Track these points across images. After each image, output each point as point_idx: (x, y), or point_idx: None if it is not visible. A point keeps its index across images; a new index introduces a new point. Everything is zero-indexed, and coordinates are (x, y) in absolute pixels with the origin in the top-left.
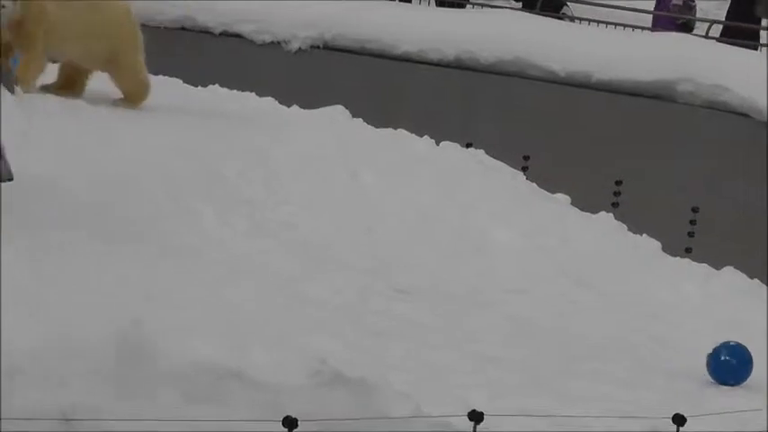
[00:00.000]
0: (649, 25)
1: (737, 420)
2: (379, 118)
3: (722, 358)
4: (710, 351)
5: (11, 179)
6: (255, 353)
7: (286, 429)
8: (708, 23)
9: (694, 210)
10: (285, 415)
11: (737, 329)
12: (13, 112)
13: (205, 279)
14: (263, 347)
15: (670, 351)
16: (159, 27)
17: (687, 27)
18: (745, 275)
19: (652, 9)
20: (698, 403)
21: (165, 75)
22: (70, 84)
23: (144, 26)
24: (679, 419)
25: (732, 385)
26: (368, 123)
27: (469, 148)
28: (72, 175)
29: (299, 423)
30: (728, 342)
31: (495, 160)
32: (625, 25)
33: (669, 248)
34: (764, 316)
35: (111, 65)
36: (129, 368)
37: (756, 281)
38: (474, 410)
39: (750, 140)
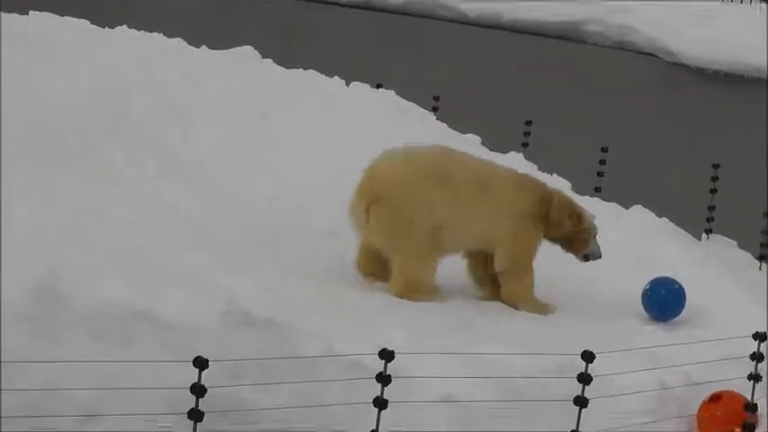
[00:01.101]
0: None
1: (645, 357)
2: (289, 59)
3: (661, 292)
4: (647, 286)
5: None
6: (166, 294)
7: (197, 370)
8: None
9: (603, 149)
10: (196, 356)
11: (647, 265)
12: None
13: (114, 221)
14: (174, 289)
15: (583, 290)
16: None
17: None
18: (653, 213)
19: None
20: (609, 341)
21: (71, 15)
22: None
23: None
24: (588, 356)
25: (665, 320)
26: (278, 64)
27: (380, 89)
28: None
29: (209, 364)
30: (665, 278)
31: (405, 101)
32: None
33: (579, 188)
34: (672, 253)
35: None
36: (41, 311)
37: (665, 219)
38: (385, 349)
39: (657, 80)
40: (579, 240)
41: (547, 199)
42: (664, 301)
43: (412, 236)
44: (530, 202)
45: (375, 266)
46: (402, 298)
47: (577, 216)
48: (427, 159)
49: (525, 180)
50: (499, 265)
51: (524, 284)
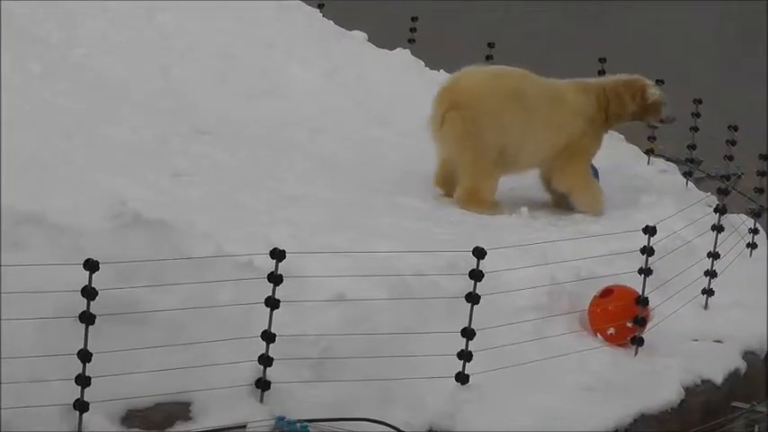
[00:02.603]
0: None
1: (536, 253)
2: None
3: None
4: None
5: None
6: (54, 196)
7: (87, 272)
8: None
9: (490, 45)
10: (86, 258)
11: None
12: None
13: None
14: (62, 191)
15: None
16: None
17: None
18: None
19: None
20: (496, 236)
21: None
22: None
23: None
24: (479, 252)
25: None
26: None
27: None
28: None
29: (100, 266)
30: None
31: None
32: None
33: None
34: None
35: None
36: None
37: None
38: (276, 249)
39: None
40: (652, 111)
41: (603, 93)
42: None
43: (479, 149)
44: (593, 101)
45: (450, 185)
46: (465, 209)
47: (640, 93)
48: (507, 78)
49: (584, 84)
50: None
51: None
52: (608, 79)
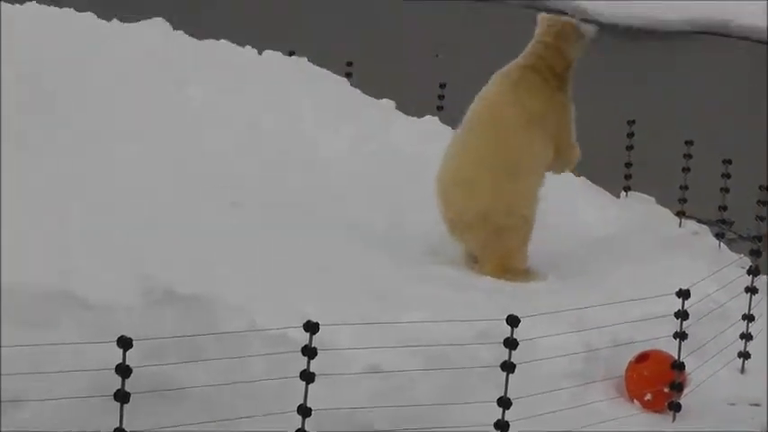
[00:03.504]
0: None
1: (568, 320)
2: (200, 29)
3: None
4: None
5: None
6: (84, 273)
7: (121, 350)
8: None
9: None
10: (119, 335)
11: (566, 225)
12: None
13: (30, 199)
14: (92, 267)
15: None
16: None
17: None
18: (570, 173)
19: None
20: (528, 304)
21: None
22: None
23: None
24: (513, 320)
25: None
26: (189, 35)
27: (293, 57)
28: None
29: (133, 343)
30: None
31: (318, 68)
32: None
33: None
34: (591, 212)
35: None
36: None
37: (583, 178)
38: (309, 321)
39: None
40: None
41: (540, 62)
42: None
43: None
44: (538, 79)
45: None
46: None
47: (575, 35)
48: None
49: (515, 69)
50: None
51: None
52: (533, 45)
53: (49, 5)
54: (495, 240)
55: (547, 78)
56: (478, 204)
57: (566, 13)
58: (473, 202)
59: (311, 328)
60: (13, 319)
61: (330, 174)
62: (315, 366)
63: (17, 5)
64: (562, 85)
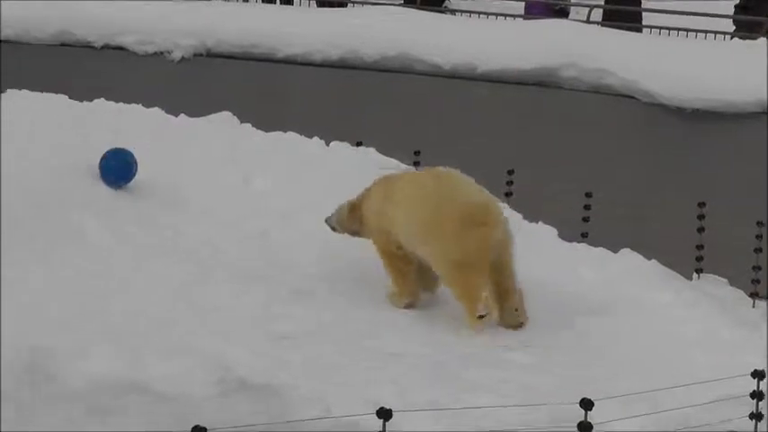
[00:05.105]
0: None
1: (645, 403)
2: (267, 122)
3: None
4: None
5: None
6: (156, 364)
7: None
8: (588, 8)
9: (587, 194)
10: (192, 425)
11: (638, 308)
12: None
13: (100, 293)
14: (164, 358)
15: (570, 335)
16: (38, 44)
17: (563, 13)
18: (641, 256)
19: None
20: (601, 387)
21: (49, 91)
22: None
23: (22, 44)
24: (586, 404)
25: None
26: (256, 128)
27: (360, 147)
28: None
29: None
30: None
31: (386, 157)
32: (498, 14)
33: (565, 234)
34: (664, 295)
35: None
36: (29, 390)
37: (654, 261)
38: (382, 408)
39: (636, 122)
40: None
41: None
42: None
43: None
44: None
45: None
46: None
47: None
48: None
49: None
50: None
51: None
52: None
53: (116, 102)
54: None
55: None
56: None
57: (632, 97)
58: None
59: (384, 414)
60: (94, 413)
61: None
62: None
63: (86, 102)
64: None
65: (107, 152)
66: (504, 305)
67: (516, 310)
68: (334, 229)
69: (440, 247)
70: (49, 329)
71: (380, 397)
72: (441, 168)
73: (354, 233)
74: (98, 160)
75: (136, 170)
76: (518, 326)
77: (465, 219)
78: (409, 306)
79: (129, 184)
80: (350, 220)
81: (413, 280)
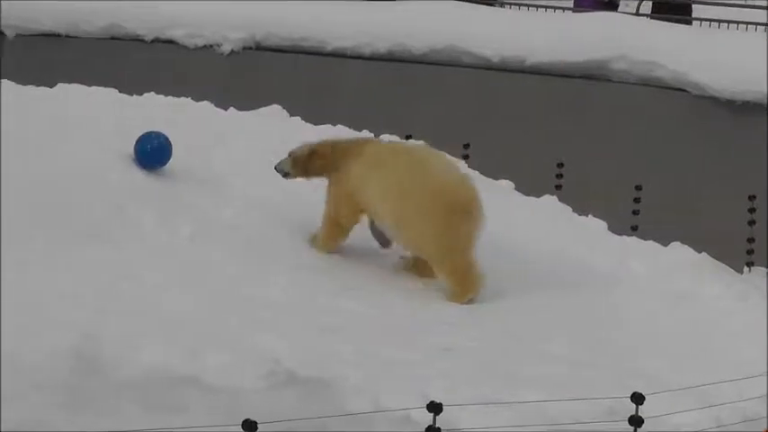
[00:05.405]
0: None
1: (697, 397)
2: (316, 115)
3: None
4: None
5: None
6: (209, 357)
7: None
8: (637, 0)
9: (637, 187)
10: (244, 418)
11: (688, 302)
12: None
13: (153, 285)
14: (217, 351)
15: (620, 328)
16: (90, 38)
17: (612, 5)
18: (692, 249)
19: None
20: (652, 380)
21: (99, 85)
22: None
23: (71, 38)
24: (638, 398)
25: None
26: (306, 121)
27: (410, 140)
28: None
29: (258, 425)
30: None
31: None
32: (548, 7)
33: (615, 227)
34: (714, 289)
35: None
36: (83, 381)
37: (704, 254)
38: (432, 402)
39: (686, 114)
40: None
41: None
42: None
43: None
44: None
45: None
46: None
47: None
48: None
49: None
50: None
51: None
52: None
53: (166, 96)
54: None
55: None
56: None
57: (682, 89)
58: None
59: (434, 408)
60: (145, 405)
61: None
62: None
63: (135, 96)
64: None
65: (141, 136)
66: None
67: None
68: (286, 174)
69: (428, 234)
70: (104, 319)
71: (430, 390)
72: (417, 144)
73: (311, 174)
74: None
75: (170, 153)
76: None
77: (453, 207)
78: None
79: (169, 170)
80: (309, 160)
81: (342, 237)
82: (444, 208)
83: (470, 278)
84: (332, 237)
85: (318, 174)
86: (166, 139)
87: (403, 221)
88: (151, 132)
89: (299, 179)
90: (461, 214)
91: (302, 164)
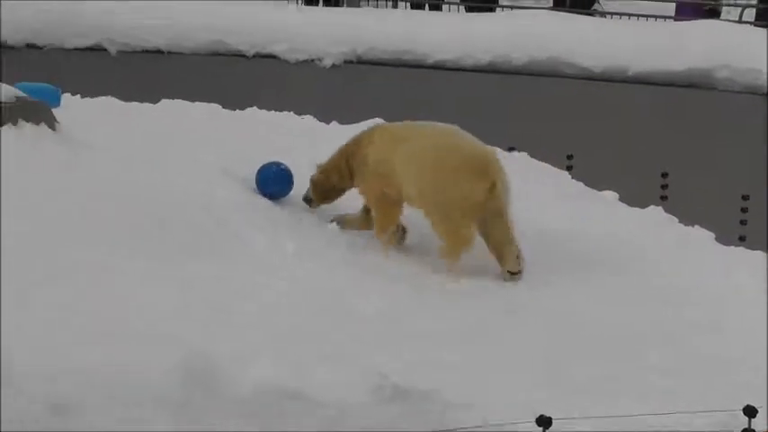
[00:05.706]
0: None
1: None
2: None
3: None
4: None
5: None
6: (316, 372)
7: None
8: (740, 8)
9: (744, 197)
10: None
11: None
12: None
13: (260, 302)
14: (323, 366)
15: (729, 341)
16: (192, 54)
17: (714, 13)
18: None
19: None
20: (759, 393)
21: (202, 101)
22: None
23: (174, 54)
24: (750, 411)
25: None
26: None
27: (512, 152)
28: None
29: None
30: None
31: (539, 162)
32: (649, 16)
33: (722, 237)
34: None
35: None
36: (193, 395)
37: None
38: (542, 415)
39: None
40: None
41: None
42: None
43: None
44: None
45: None
46: None
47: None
48: None
49: None
50: None
51: None
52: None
53: (269, 110)
54: None
55: None
56: None
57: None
58: None
59: (544, 423)
60: (254, 419)
61: (552, 258)
62: None
63: (239, 111)
64: None
65: (265, 165)
66: (504, 252)
67: (517, 257)
68: (309, 202)
69: (438, 190)
70: (214, 334)
71: (537, 403)
72: (440, 124)
73: (331, 193)
74: (253, 169)
75: (292, 186)
76: (518, 273)
77: (467, 167)
78: (387, 241)
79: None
80: (326, 179)
81: (395, 221)
82: (453, 164)
83: (461, 239)
84: (385, 215)
85: (340, 188)
86: (289, 171)
87: (417, 178)
88: (273, 165)
89: (323, 204)
90: (471, 173)
91: (320, 184)
